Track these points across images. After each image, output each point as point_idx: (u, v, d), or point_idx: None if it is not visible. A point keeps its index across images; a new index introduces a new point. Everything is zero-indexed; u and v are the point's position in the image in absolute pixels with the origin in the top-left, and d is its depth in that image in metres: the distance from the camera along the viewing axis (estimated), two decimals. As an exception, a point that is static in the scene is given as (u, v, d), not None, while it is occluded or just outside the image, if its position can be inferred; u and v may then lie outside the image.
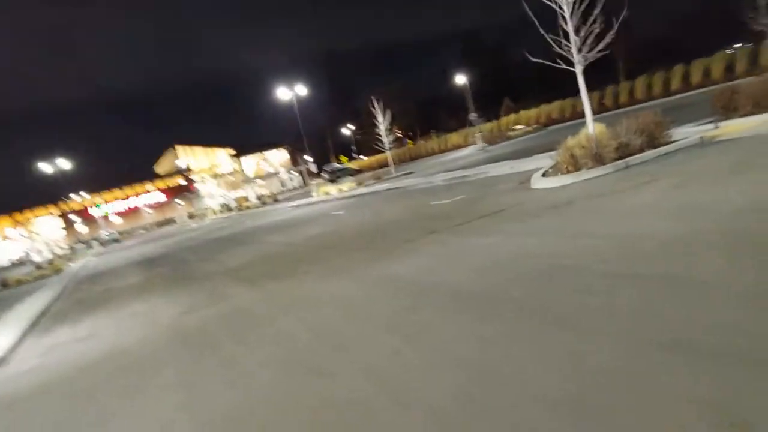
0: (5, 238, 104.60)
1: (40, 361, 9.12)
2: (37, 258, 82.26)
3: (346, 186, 39.09)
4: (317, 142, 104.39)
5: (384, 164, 61.58)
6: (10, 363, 9.55)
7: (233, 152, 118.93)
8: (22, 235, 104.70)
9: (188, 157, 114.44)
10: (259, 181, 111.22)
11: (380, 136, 39.18)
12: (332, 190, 39.46)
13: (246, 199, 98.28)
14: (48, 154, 59.78)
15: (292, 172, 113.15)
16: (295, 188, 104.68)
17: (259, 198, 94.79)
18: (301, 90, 48.68)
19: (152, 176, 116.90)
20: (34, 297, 20.32)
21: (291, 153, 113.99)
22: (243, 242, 21.53)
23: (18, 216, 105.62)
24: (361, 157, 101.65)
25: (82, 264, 38.27)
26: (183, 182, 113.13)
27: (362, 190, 33.42)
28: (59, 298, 18.55)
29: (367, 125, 71.42)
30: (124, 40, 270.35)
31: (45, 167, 59.84)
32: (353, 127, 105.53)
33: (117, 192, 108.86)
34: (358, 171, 65.01)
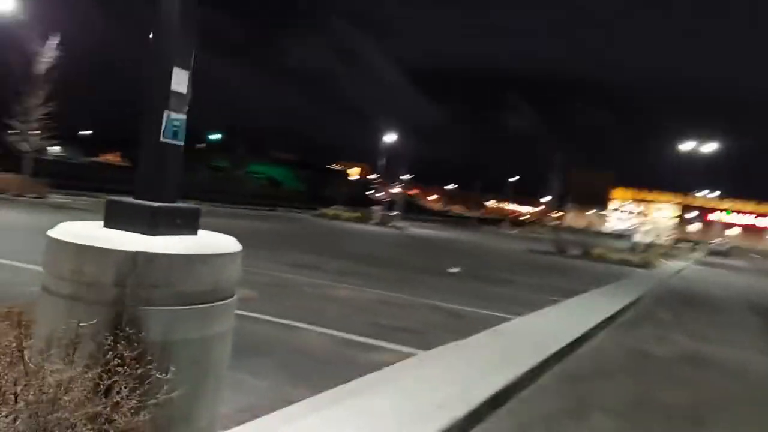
0: (621, 209, 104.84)
1: None
2: (638, 238, 78.00)
3: None
4: None
5: None
6: None
7: None
8: (633, 212, 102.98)
9: None
10: None
11: None
12: None
13: None
14: (689, 139, 52.13)
15: None
16: None
17: None
18: None
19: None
20: (574, 304, 13.11)
21: None
22: None
23: (638, 193, 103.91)
24: None
25: (678, 269, 29.78)
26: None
27: None
28: (610, 326, 10.62)
29: None
30: None
31: (683, 149, 52.72)
32: None
33: (746, 204, 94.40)
34: None
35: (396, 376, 5.28)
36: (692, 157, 53.86)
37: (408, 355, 6.28)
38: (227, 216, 28.88)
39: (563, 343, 7.52)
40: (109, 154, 71.30)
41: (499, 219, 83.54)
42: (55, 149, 43.86)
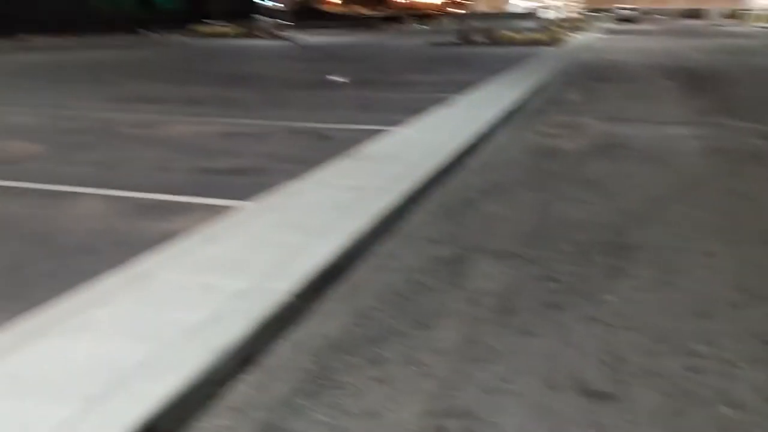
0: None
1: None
2: (544, 14, 75.71)
3: None
4: None
5: None
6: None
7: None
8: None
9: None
10: None
11: None
12: None
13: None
14: None
15: None
16: None
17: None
18: None
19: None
20: (468, 101, 11.34)
21: None
22: None
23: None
24: None
25: (587, 41, 28.26)
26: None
27: None
28: (511, 121, 8.95)
29: None
30: None
31: None
32: None
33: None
34: None
35: (155, 269, 3.36)
36: None
37: (220, 211, 4.37)
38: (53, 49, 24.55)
39: (442, 160, 5.74)
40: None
41: (401, 15, 78.75)
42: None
